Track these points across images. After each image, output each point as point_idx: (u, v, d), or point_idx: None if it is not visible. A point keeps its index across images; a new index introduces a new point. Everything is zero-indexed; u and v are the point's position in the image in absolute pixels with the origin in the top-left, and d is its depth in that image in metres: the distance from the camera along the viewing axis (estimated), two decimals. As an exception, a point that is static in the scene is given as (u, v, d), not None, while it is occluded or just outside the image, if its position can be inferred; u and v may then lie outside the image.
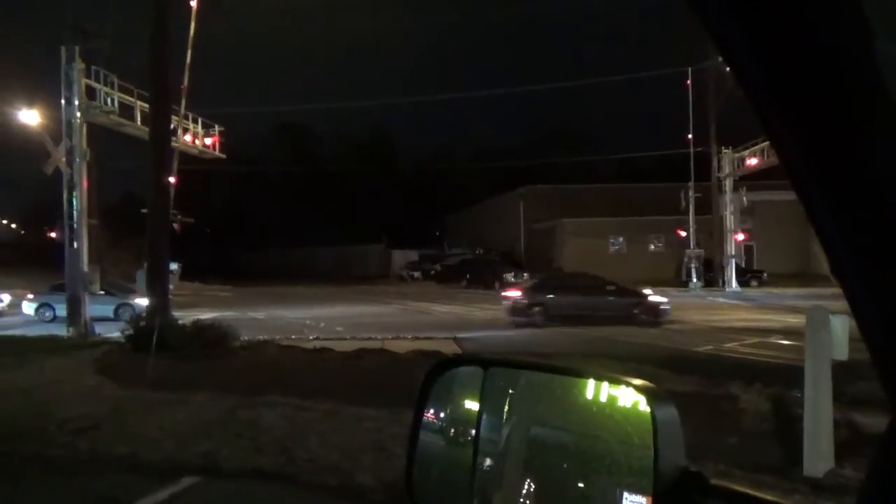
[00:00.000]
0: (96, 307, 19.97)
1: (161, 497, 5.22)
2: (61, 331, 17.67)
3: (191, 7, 19.30)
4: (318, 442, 6.28)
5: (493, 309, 22.98)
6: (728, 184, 33.32)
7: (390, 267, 48.41)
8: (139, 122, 20.52)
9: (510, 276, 34.70)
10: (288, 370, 10.56)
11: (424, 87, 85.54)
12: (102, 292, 22.12)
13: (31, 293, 23.54)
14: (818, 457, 4.94)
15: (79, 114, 19.79)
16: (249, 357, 12.26)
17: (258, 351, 13.00)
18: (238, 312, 22.56)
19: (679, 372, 9.84)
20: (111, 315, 21.54)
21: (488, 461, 1.13)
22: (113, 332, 16.04)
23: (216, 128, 25.28)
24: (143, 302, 16.56)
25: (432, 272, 42.45)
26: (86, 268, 19.91)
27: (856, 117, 0.55)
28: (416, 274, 44.34)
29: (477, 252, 43.76)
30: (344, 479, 5.41)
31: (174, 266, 18.05)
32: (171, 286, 16.48)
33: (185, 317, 14.98)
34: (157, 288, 14.89)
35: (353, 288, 34.87)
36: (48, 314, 22.47)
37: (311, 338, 16.11)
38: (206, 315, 17.97)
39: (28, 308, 23.17)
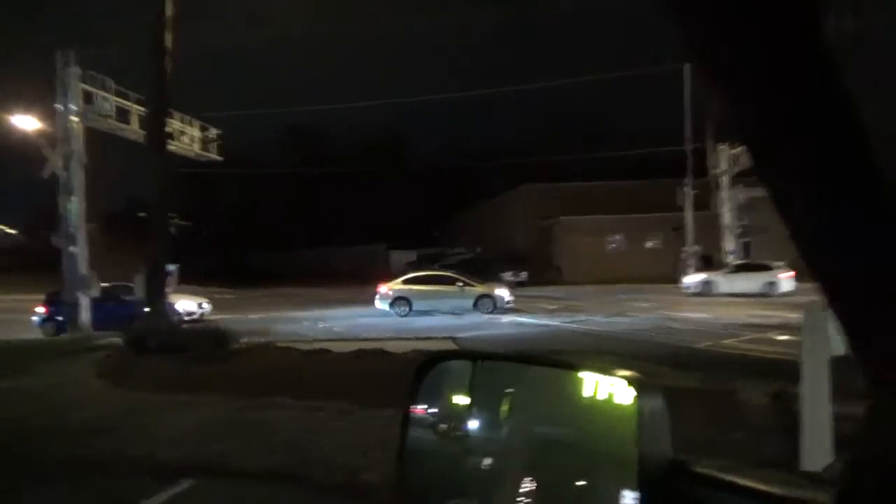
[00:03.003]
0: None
1: (179, 490, 5.28)
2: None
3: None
4: (329, 441, 6.31)
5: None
6: (725, 180, 33.38)
7: (390, 268, 48.40)
8: (136, 126, 20.55)
9: (508, 276, 34.70)
10: (289, 372, 10.57)
11: (431, 87, 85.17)
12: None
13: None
14: (817, 451, 4.99)
15: (75, 118, 19.82)
16: (249, 359, 12.27)
17: (258, 353, 13.02)
18: (238, 315, 22.61)
19: (679, 368, 9.89)
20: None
21: (488, 460, 1.13)
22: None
23: (213, 131, 25.29)
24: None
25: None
26: (84, 272, 19.94)
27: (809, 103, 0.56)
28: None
29: (476, 251, 43.74)
30: (353, 477, 5.45)
31: (171, 268, 18.04)
32: (169, 289, 16.51)
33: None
34: (155, 291, 14.91)
35: (352, 289, 34.81)
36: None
37: (309, 339, 16.11)
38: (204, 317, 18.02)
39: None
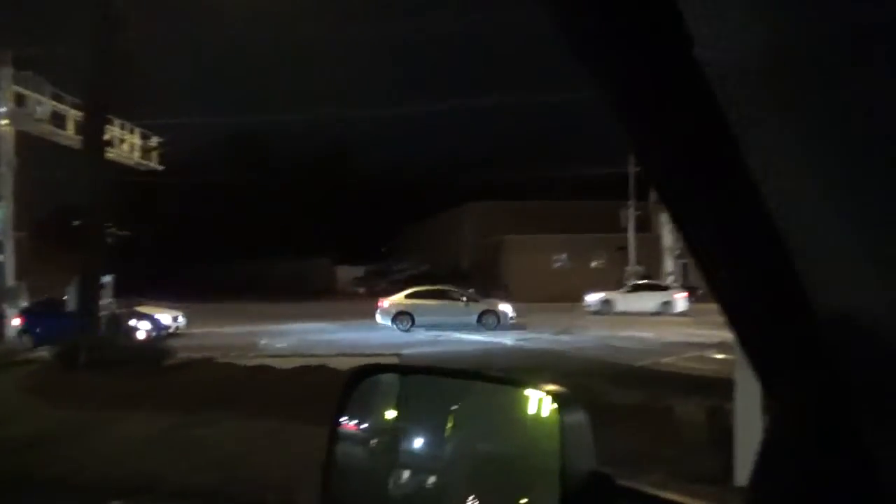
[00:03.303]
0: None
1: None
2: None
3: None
4: (261, 459, 6.15)
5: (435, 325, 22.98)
6: (665, 203, 34.40)
7: (335, 283, 47.89)
8: (73, 132, 19.83)
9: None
10: (229, 387, 10.32)
11: (379, 102, 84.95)
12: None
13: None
14: (748, 465, 5.12)
15: (6, 121, 18.99)
16: (186, 375, 11.94)
17: (195, 369, 12.67)
18: (208, 328, 21.94)
19: (622, 386, 10.06)
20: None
21: (432, 478, 1.11)
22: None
23: (154, 139, 24.63)
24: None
25: (378, 288, 42.17)
26: (12, 282, 19.03)
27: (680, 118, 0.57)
28: (362, 290, 43.99)
29: (422, 268, 43.76)
30: (285, 496, 5.31)
31: (106, 279, 17.35)
32: (103, 301, 15.91)
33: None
34: (87, 303, 14.34)
35: (296, 304, 34.24)
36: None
37: (250, 355, 15.76)
38: (142, 331, 17.40)
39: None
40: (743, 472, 5.15)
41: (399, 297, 23.70)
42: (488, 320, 22.91)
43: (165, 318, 21.18)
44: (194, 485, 5.64)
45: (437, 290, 24.58)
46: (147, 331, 18.93)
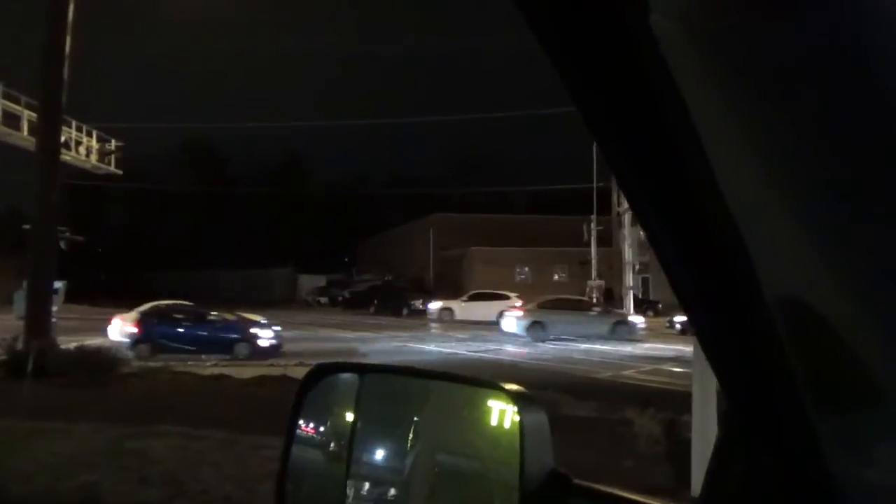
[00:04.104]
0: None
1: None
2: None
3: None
4: (211, 472, 5.97)
5: (400, 336, 22.86)
6: (627, 218, 34.97)
7: (296, 292, 47.30)
8: (26, 133, 19.27)
9: (418, 304, 34.80)
10: (182, 398, 10.07)
11: (337, 112, 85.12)
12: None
13: None
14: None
15: (-44, 120, 18.38)
16: (140, 384, 11.63)
17: (150, 378, 12.35)
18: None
19: (579, 397, 10.12)
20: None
21: (392, 490, 1.08)
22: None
23: (113, 142, 24.10)
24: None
25: (340, 298, 41.81)
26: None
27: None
28: (324, 300, 43.52)
29: (386, 279, 43.58)
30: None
31: (58, 285, 16.81)
32: (54, 308, 15.40)
33: (70, 341, 13.98)
34: (37, 309, 13.86)
35: (257, 313, 33.75)
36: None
37: (208, 364, 15.43)
38: (94, 340, 16.82)
39: None
40: (700, 482, 5.19)
41: (531, 307, 23.67)
42: (621, 331, 22.91)
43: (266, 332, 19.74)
44: (140, 499, 5.44)
45: (569, 299, 24.64)
46: (269, 339, 18.48)
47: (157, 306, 20.00)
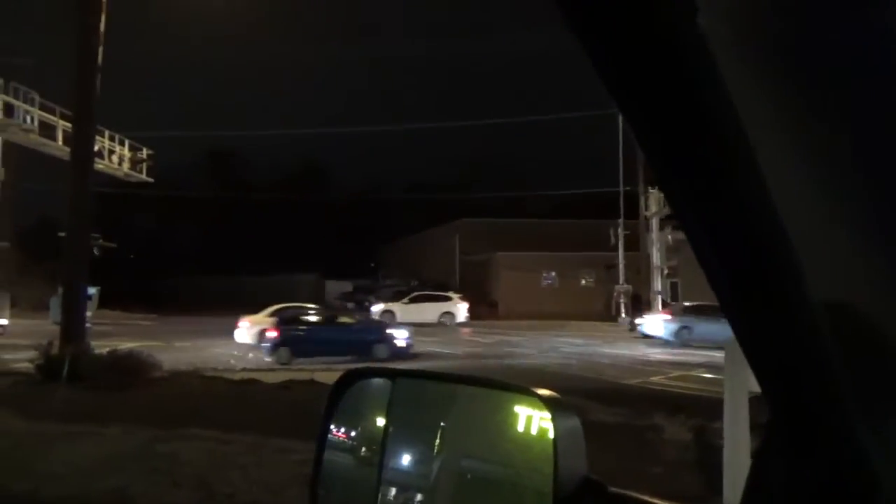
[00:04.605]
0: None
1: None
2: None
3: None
4: (239, 476, 6.03)
5: (425, 340, 22.85)
6: (654, 222, 34.59)
7: (323, 297, 47.64)
8: (61, 142, 19.71)
9: (367, 305, 35.16)
10: (212, 402, 10.19)
11: (359, 119, 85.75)
12: None
13: None
14: (737, 484, 5.07)
15: (-6, 131, 18.88)
16: (170, 388, 11.79)
17: (180, 382, 12.51)
18: (163, 342, 21.64)
19: (607, 404, 10.01)
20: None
21: (419, 496, 1.08)
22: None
23: (144, 151, 24.57)
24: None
25: (366, 303, 42.06)
26: (-6, 293, 18.80)
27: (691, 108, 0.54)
28: (350, 305, 43.81)
29: (411, 284, 43.67)
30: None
31: (92, 291, 17.15)
32: (88, 313, 15.72)
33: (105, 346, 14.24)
34: (72, 315, 14.15)
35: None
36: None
37: (238, 369, 15.60)
38: (128, 345, 17.19)
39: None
40: (732, 490, 5.10)
41: (678, 311, 23.98)
42: None
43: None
44: (170, 502, 5.51)
45: (712, 306, 24.86)
46: (405, 339, 18.85)
47: (286, 308, 20.13)
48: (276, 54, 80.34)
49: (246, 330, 20.66)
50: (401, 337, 18.82)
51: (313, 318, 19.47)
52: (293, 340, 17.79)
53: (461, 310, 28.61)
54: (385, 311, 31.19)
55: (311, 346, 17.60)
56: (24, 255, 23.56)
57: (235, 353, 18.81)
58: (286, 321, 18.78)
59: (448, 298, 30.36)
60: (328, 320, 19.38)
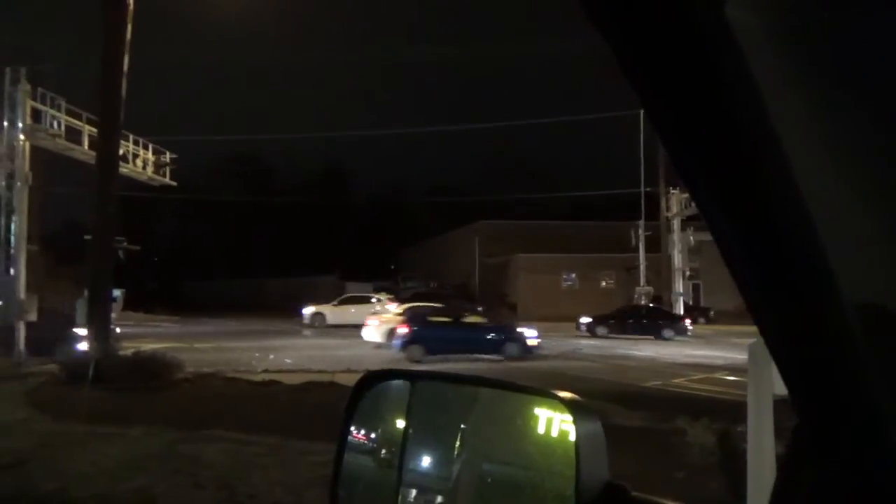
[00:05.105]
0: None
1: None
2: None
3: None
4: (261, 477, 6.07)
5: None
6: (676, 223, 34.25)
7: (343, 300, 47.90)
8: (87, 147, 20.02)
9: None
10: (234, 403, 10.28)
11: (380, 122, 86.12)
12: None
13: None
14: (761, 489, 4.99)
15: (22, 136, 19.20)
16: (193, 390, 11.91)
17: (203, 383, 12.63)
18: (185, 344, 21.88)
19: (628, 407, 9.92)
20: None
21: (439, 498, 1.08)
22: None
23: (168, 155, 24.85)
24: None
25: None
26: (23, 295, 19.11)
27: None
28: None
29: (431, 285, 43.69)
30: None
31: (117, 293, 17.39)
32: (113, 316, 15.94)
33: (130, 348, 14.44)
34: (97, 317, 14.36)
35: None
36: None
37: (258, 370, 15.72)
38: (151, 346, 17.43)
39: None
40: (756, 494, 5.02)
41: None
42: None
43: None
44: (193, 503, 5.56)
45: None
46: (535, 338, 19.25)
47: (417, 307, 20.36)
48: (296, 58, 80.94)
49: (375, 328, 21.17)
50: (531, 336, 19.12)
51: (445, 317, 19.68)
52: (426, 338, 18.07)
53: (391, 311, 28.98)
54: (316, 314, 31.48)
55: (444, 343, 17.88)
56: (52, 258, 23.96)
57: (257, 354, 18.97)
58: (418, 319, 19.04)
59: (371, 300, 30.54)
60: (459, 318, 19.61)
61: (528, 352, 18.55)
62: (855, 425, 0.60)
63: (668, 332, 27.31)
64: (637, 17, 0.49)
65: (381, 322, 21.32)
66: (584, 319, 29.73)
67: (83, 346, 13.98)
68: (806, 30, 0.46)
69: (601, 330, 28.62)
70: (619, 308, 31.00)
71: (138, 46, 15.65)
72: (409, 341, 17.98)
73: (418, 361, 17.06)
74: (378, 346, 20.59)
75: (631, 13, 0.49)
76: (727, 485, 5.66)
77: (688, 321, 28.49)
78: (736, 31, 0.47)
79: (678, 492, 5.26)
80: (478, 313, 21.31)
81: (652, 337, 27.07)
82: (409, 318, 19.37)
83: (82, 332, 14.67)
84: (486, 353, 17.94)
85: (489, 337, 18.83)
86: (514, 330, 19.50)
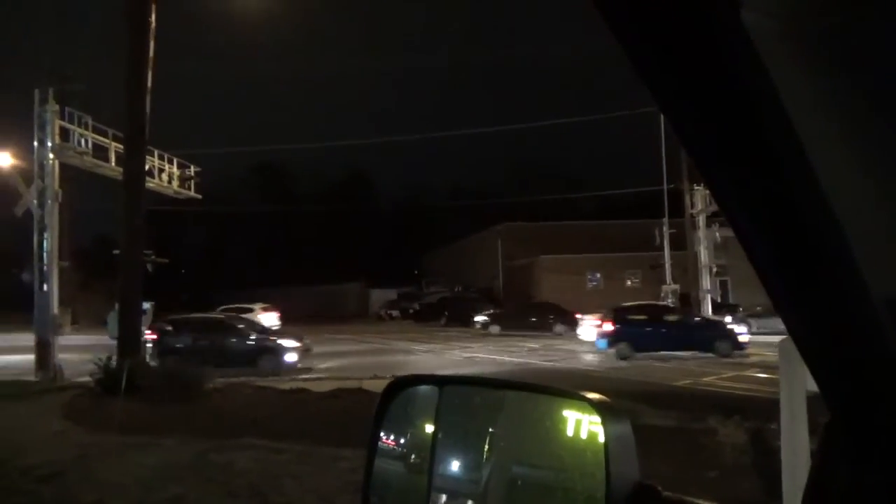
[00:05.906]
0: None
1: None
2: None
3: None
4: (293, 485, 6.11)
5: (471, 346, 22.81)
6: (701, 220, 33.80)
7: (368, 306, 48.04)
8: (114, 163, 20.39)
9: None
10: (263, 412, 10.37)
11: (400, 127, 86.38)
12: None
13: None
14: (796, 488, 4.91)
15: (52, 155, 19.62)
16: (223, 399, 12.03)
17: (232, 393, 12.76)
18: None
19: (658, 406, 9.81)
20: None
21: (470, 503, 1.08)
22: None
23: (192, 168, 25.20)
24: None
25: (411, 311, 42.18)
26: (56, 310, 19.50)
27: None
28: (395, 313, 44.02)
29: (455, 290, 43.67)
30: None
31: (147, 306, 17.67)
32: (143, 328, 16.20)
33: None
34: (128, 329, 14.60)
35: (330, 328, 34.51)
36: None
37: (286, 379, 15.84)
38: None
39: None
40: (790, 493, 4.93)
41: None
42: None
43: None
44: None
45: None
46: (744, 335, 19.36)
47: (627, 307, 20.45)
48: (316, 67, 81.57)
49: (589, 328, 21.66)
50: (741, 332, 19.17)
51: (650, 315, 19.92)
52: (634, 336, 18.36)
53: (266, 319, 29.10)
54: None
55: (652, 341, 18.14)
56: (83, 273, 24.43)
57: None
58: (625, 318, 19.21)
59: (250, 310, 30.82)
60: (665, 316, 19.90)
61: (739, 348, 18.33)
62: (888, 421, 0.60)
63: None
64: (654, 20, 0.50)
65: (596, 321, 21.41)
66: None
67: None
68: (821, 32, 0.46)
69: None
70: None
71: (161, 62, 15.94)
72: (616, 339, 18.31)
73: (626, 358, 17.25)
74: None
75: (648, 17, 0.50)
76: (761, 485, 5.58)
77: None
78: (752, 33, 0.47)
79: (711, 492, 5.18)
80: (676, 311, 21.30)
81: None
82: (616, 316, 19.41)
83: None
84: (696, 350, 17.89)
85: (700, 335, 18.77)
86: (725, 326, 19.36)
